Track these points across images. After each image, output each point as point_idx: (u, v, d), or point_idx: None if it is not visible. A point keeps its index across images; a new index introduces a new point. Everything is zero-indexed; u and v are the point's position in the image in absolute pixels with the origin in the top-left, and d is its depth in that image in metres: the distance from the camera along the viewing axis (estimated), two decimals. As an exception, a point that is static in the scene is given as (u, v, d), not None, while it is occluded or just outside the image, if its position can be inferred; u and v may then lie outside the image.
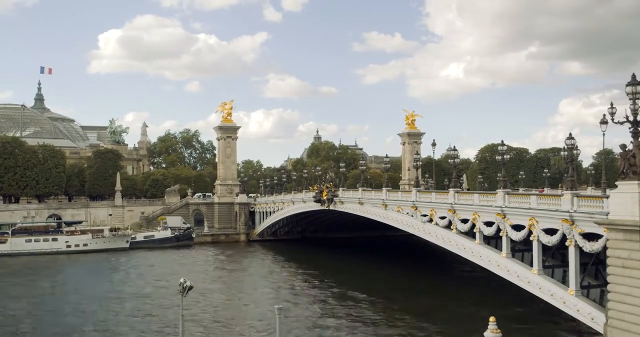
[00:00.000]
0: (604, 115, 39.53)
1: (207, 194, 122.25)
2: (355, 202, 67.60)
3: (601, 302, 30.20)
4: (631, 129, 27.05)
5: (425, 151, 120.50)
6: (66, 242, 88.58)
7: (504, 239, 38.38)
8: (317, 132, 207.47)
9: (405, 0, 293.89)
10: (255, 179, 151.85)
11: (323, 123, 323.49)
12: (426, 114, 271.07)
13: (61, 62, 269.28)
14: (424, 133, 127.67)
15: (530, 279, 35.41)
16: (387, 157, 73.24)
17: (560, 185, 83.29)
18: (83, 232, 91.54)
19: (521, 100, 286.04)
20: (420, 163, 64.68)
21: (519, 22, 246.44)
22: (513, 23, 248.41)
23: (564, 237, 32.29)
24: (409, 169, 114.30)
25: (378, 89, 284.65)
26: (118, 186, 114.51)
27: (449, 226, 45.77)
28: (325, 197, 76.08)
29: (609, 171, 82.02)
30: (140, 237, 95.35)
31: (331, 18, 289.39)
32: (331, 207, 75.33)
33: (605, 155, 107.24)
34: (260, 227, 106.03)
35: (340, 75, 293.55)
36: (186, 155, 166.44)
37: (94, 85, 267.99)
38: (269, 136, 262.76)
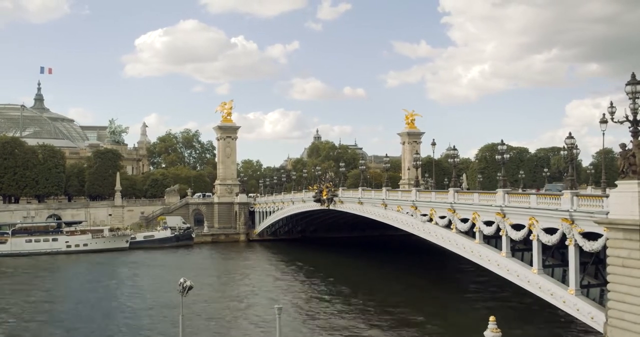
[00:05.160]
0: (604, 114, 39.49)
1: (207, 194, 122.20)
2: (355, 202, 67.58)
3: (601, 301, 30.19)
4: (631, 129, 27.04)
5: (426, 151, 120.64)
6: (66, 242, 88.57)
7: (503, 238, 38.36)
8: (317, 131, 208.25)
9: (432, 9, 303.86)
10: (255, 178, 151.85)
11: (337, 124, 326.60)
12: (441, 116, 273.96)
13: (97, 64, 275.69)
14: (424, 133, 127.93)
15: (530, 278, 35.40)
16: (386, 156, 73.14)
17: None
18: (83, 232, 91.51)
19: (535, 102, 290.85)
20: (420, 163, 64.62)
21: (547, 30, 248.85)
22: (540, 30, 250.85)
23: (563, 237, 32.27)
24: (408, 169, 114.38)
25: (398, 92, 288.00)
26: (118, 186, 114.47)
27: (448, 226, 45.75)
28: (325, 197, 76.08)
29: (609, 170, 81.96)
30: (140, 237, 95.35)
31: (363, 27, 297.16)
32: (331, 207, 75.31)
33: (605, 154, 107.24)
34: (260, 227, 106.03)
35: (364, 80, 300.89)
36: (186, 155, 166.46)
37: (123, 87, 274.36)
38: (283, 136, 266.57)
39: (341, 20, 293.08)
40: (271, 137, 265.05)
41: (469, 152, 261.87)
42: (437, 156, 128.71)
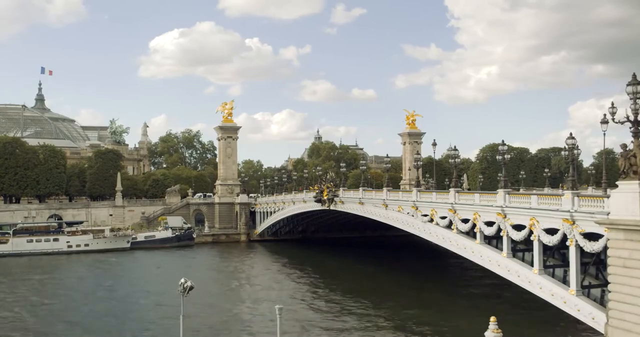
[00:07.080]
0: (604, 115, 39.53)
1: (208, 194, 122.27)
2: (356, 202, 67.57)
3: (602, 302, 30.19)
4: (631, 129, 27.03)
5: (427, 151, 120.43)
6: (67, 242, 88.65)
7: (504, 238, 38.36)
8: (318, 132, 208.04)
9: (442, 14, 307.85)
10: (256, 179, 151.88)
11: (343, 125, 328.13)
12: (447, 117, 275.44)
13: (112, 66, 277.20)
14: (424, 133, 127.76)
15: (530, 278, 35.39)
16: (387, 157, 73.12)
17: (560, 185, 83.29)
18: (84, 232, 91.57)
19: (541, 103, 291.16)
20: (421, 163, 64.57)
21: (557, 33, 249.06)
22: (550, 33, 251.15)
23: (564, 237, 32.28)
24: (409, 169, 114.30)
25: (406, 94, 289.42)
26: (119, 186, 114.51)
27: (449, 226, 45.73)
28: (325, 197, 76.04)
29: (610, 170, 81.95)
30: (141, 237, 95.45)
31: (375, 31, 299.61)
32: (332, 207, 75.29)
33: (606, 155, 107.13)
34: (260, 227, 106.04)
35: (373, 82, 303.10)
36: (187, 155, 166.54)
37: (135, 89, 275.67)
38: (289, 137, 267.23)
39: (354, 24, 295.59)
40: (277, 138, 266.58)
41: (470, 152, 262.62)
42: (438, 157, 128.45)
